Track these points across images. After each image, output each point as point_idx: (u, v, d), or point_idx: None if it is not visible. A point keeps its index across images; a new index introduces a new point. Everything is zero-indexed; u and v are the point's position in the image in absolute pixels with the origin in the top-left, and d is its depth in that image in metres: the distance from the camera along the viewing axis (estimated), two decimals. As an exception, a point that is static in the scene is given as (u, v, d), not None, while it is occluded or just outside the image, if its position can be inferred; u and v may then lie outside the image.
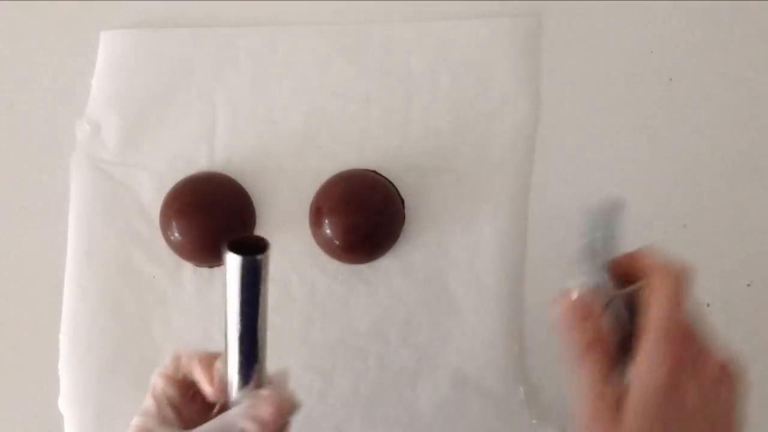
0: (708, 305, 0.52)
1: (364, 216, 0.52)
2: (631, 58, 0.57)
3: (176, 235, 0.53)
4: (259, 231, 0.55)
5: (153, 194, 0.55)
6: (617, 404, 0.35)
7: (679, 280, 0.35)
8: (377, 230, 0.53)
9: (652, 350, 0.34)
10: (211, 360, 0.39)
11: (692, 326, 0.35)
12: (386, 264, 0.54)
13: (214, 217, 0.53)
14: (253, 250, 0.34)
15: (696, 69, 0.57)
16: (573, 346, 0.36)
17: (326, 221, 0.52)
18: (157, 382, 0.39)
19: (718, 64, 0.57)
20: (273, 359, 0.39)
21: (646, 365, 0.34)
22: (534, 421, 0.52)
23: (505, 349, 0.53)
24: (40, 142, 0.57)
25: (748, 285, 0.54)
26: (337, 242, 0.53)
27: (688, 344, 0.35)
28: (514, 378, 0.53)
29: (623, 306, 0.37)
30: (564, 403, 0.51)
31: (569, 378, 0.36)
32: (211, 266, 0.54)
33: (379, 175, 0.54)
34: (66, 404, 0.53)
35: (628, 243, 0.38)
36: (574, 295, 0.36)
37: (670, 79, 0.56)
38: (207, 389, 0.39)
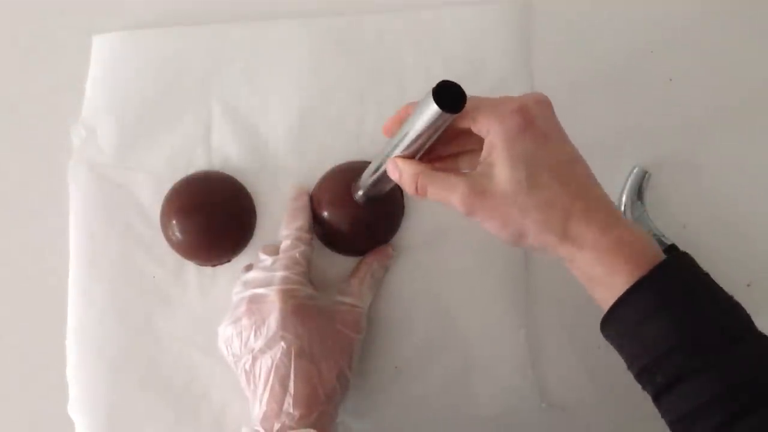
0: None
1: (364, 207, 0.52)
2: (631, 58, 0.57)
3: (177, 234, 0.53)
4: (260, 227, 0.55)
5: (152, 196, 0.55)
6: (483, 182, 0.40)
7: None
8: (377, 221, 0.53)
9: (493, 116, 0.40)
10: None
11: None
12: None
13: (214, 215, 0.53)
14: (452, 100, 0.38)
15: (696, 69, 0.57)
16: (408, 182, 0.43)
17: (325, 214, 0.52)
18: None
19: (718, 64, 0.57)
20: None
21: (497, 124, 0.39)
22: (543, 405, 0.53)
23: (512, 332, 0.53)
24: (38, 149, 0.57)
25: (748, 285, 0.54)
26: (337, 234, 0.53)
27: (506, 98, 0.41)
28: (522, 361, 0.53)
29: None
30: (573, 386, 0.52)
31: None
32: (214, 265, 0.54)
33: None
34: (75, 410, 0.53)
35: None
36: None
37: (670, 79, 0.56)
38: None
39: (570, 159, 0.41)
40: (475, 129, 0.41)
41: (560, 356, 0.54)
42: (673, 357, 0.37)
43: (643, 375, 0.39)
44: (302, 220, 0.52)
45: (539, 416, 0.53)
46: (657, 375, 0.38)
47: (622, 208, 0.54)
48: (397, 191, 0.54)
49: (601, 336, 0.41)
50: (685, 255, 0.40)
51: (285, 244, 0.51)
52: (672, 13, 0.57)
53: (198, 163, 0.55)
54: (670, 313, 0.37)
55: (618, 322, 0.39)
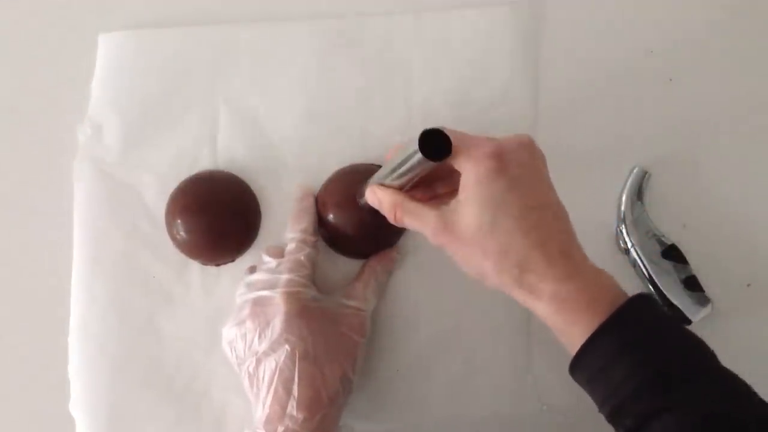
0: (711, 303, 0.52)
1: (370, 211, 0.52)
2: (631, 58, 0.57)
3: (182, 233, 0.53)
4: (264, 228, 0.55)
5: (157, 195, 0.55)
6: (452, 218, 0.41)
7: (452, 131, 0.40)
8: (383, 225, 0.53)
9: (470, 157, 0.40)
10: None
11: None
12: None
13: (219, 214, 0.53)
14: (438, 147, 0.39)
15: (696, 69, 0.57)
16: (387, 211, 0.45)
17: (330, 216, 0.53)
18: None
19: (718, 64, 0.57)
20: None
21: (471, 166, 0.40)
22: (544, 407, 0.53)
23: (514, 335, 0.54)
24: (43, 147, 0.57)
25: (748, 285, 0.54)
26: (342, 237, 0.53)
27: (487, 140, 0.41)
28: (523, 364, 0.53)
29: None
30: (573, 389, 0.52)
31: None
32: (218, 264, 0.54)
33: None
34: (77, 408, 0.53)
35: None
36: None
37: (670, 79, 0.57)
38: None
39: (539, 206, 0.40)
40: (456, 165, 0.41)
41: (561, 359, 0.54)
42: (639, 398, 0.37)
43: (614, 417, 0.39)
44: (307, 222, 0.52)
45: (540, 419, 0.53)
46: (626, 417, 0.38)
47: (622, 208, 0.54)
48: None
49: None
50: (644, 296, 0.40)
51: (290, 246, 0.51)
52: (672, 13, 0.57)
53: (203, 163, 0.55)
54: (631, 355, 0.37)
55: (583, 369, 0.40)
